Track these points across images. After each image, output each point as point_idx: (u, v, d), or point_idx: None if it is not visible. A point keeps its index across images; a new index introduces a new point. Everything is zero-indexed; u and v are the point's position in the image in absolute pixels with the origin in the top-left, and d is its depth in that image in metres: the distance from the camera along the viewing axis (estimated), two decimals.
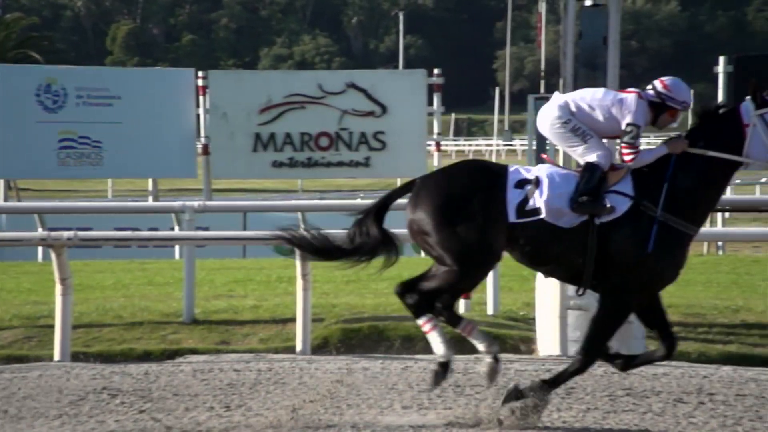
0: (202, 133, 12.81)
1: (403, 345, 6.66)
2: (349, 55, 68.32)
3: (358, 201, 16.25)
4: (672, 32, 64.79)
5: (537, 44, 38.32)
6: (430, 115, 13.08)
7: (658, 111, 4.53)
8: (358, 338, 6.76)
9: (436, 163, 13.47)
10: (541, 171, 4.53)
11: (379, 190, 25.88)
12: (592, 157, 4.47)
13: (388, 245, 4.69)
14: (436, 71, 12.97)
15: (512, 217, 4.43)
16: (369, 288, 8.49)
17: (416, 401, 5.06)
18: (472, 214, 4.42)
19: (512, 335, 6.69)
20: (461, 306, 7.42)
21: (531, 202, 4.43)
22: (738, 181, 23.75)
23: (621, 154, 4.50)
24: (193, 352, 6.66)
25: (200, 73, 12.76)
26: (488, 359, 4.57)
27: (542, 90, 22.92)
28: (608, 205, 4.41)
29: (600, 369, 5.66)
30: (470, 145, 45.04)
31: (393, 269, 10.70)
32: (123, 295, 8.17)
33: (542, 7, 32.29)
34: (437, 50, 63.35)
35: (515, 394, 4.54)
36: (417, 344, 6.65)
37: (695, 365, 5.89)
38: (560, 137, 4.55)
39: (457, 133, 51.38)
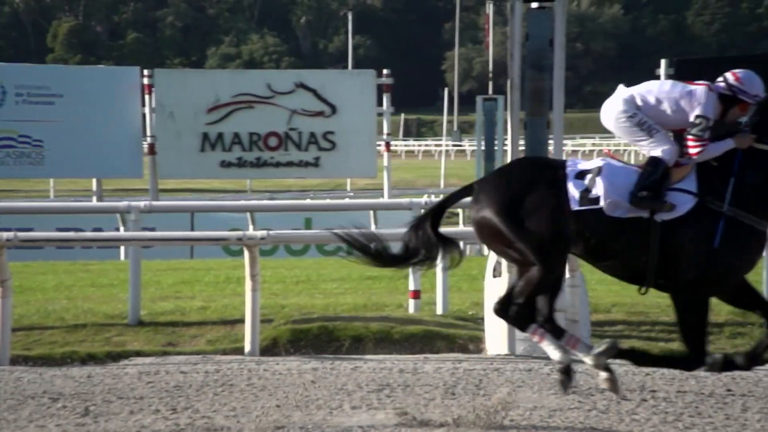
0: (149, 133, 12.62)
1: (352, 345, 6.64)
2: (297, 54, 68.01)
3: (308, 201, 16.18)
4: (616, 35, 66.05)
5: (485, 45, 38.70)
6: (380, 116, 13.10)
7: (729, 104, 4.43)
8: (308, 339, 6.72)
9: (386, 163, 13.51)
10: (601, 163, 4.46)
11: (329, 190, 25.84)
12: (657, 152, 4.40)
13: (447, 248, 4.59)
14: (385, 72, 12.99)
15: (575, 206, 4.37)
16: (319, 288, 8.46)
17: (365, 401, 5.06)
18: (538, 206, 4.37)
19: (461, 335, 6.73)
20: (410, 306, 7.44)
21: (593, 192, 4.36)
22: None
23: (686, 147, 4.41)
24: (139, 354, 6.55)
25: (146, 72, 12.56)
26: (602, 373, 4.42)
27: (490, 91, 23.14)
28: (668, 203, 4.33)
29: (546, 367, 5.74)
30: (420, 145, 45.18)
31: (342, 269, 10.68)
32: (65, 297, 7.99)
33: (489, 9, 32.62)
34: (386, 51, 63.45)
35: (610, 349, 4.41)
36: (366, 345, 6.65)
37: None
38: (626, 131, 4.48)
39: (407, 133, 51.53)
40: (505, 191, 4.45)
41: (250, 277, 6.52)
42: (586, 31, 64.37)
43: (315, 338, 6.71)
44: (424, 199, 9.13)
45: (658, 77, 12.09)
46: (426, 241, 4.54)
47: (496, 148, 16.82)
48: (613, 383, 4.46)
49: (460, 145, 40.29)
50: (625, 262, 4.45)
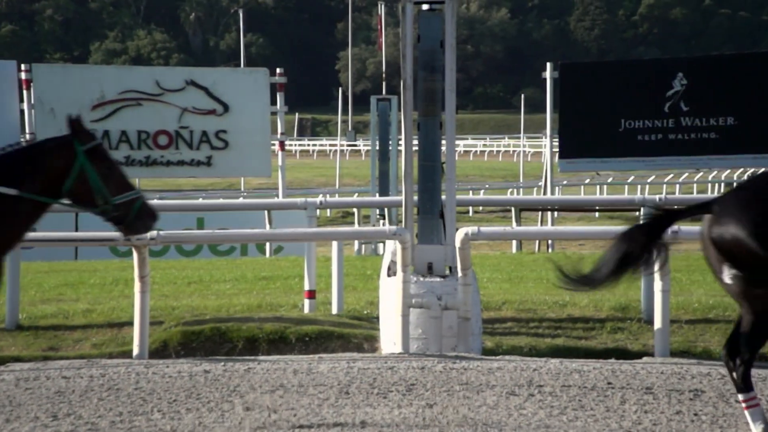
0: (28, 130, 12.08)
1: (246, 346, 6.55)
2: (187, 51, 66.58)
3: (200, 201, 15.83)
4: (503, 38, 67.92)
5: (378, 46, 38.96)
6: (274, 115, 12.98)
7: None
8: (200, 341, 6.57)
9: (280, 162, 13.40)
10: None
11: (221, 189, 25.36)
12: None
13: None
14: (278, 70, 12.88)
15: None
16: (211, 289, 8.30)
17: (258, 403, 4.99)
18: None
19: (356, 334, 6.73)
20: (305, 306, 7.40)
21: None
22: (564, 182, 25.30)
23: None
24: (17, 359, 6.24)
25: (23, 66, 12.01)
26: None
27: (384, 91, 23.26)
28: None
29: (439, 365, 5.82)
30: (314, 145, 44.98)
31: (235, 270, 10.46)
32: None
33: (381, 10, 32.84)
34: (279, 49, 62.99)
35: None
36: (260, 345, 6.57)
37: (527, 358, 6.15)
38: None
39: (301, 132, 51.30)
40: (756, 208, 4.06)
41: (139, 279, 6.33)
42: (475, 33, 65.91)
43: (207, 340, 6.58)
44: (319, 198, 9.09)
45: (544, 80, 12.49)
46: (643, 253, 4.21)
47: (390, 147, 16.99)
48: None
49: (354, 145, 40.40)
50: None
